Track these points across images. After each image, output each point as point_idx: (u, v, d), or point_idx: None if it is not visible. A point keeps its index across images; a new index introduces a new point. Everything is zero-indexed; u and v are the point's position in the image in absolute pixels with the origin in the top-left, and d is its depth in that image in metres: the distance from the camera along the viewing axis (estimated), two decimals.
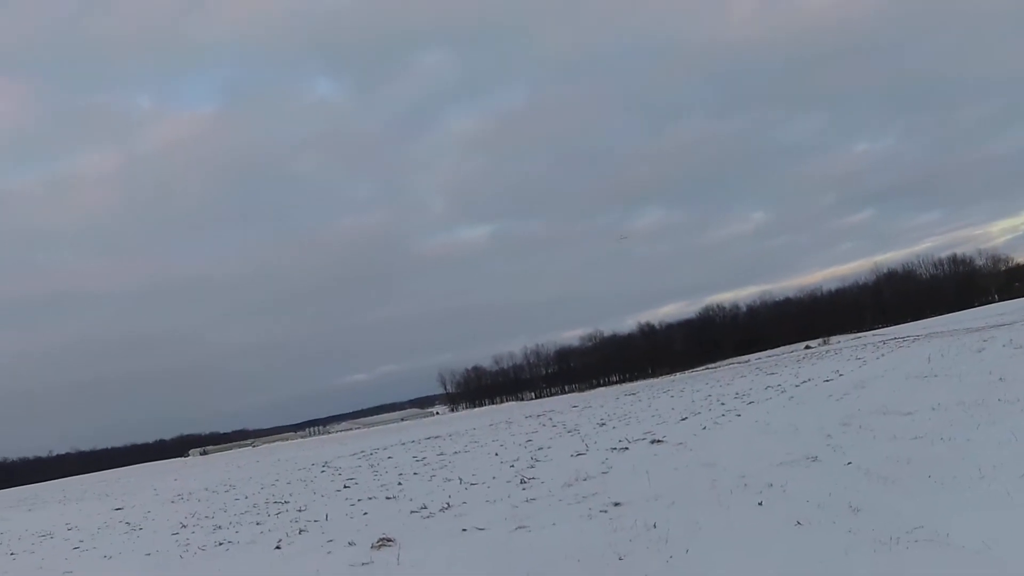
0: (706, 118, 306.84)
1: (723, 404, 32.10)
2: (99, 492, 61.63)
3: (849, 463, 13.31)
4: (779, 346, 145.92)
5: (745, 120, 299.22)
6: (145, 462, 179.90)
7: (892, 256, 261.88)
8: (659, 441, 22.39)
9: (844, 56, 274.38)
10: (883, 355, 48.25)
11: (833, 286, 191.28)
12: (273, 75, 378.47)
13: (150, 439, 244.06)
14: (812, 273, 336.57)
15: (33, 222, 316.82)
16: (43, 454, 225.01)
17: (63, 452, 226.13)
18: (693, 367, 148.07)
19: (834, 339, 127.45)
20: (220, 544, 18.82)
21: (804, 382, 36.06)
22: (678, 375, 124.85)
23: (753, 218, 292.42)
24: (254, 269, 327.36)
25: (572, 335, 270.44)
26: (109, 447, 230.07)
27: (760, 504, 11.45)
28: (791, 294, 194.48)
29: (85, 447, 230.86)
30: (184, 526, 24.27)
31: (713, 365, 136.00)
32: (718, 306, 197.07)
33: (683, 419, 28.63)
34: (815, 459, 14.44)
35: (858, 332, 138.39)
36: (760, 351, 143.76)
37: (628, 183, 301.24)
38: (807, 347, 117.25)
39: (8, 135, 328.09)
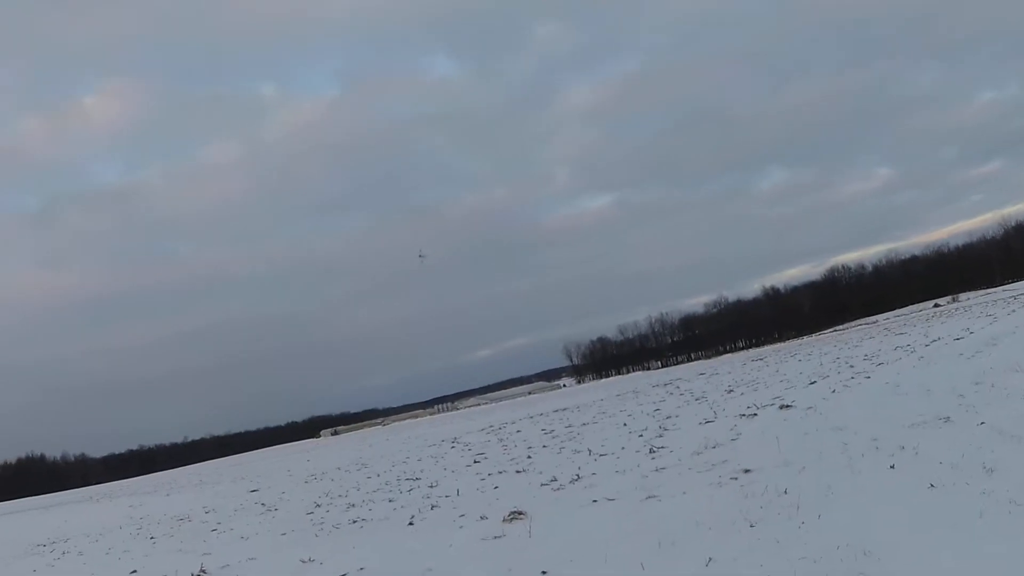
0: (825, 74, 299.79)
1: (852, 367, 31.59)
2: (234, 475, 63.59)
3: (982, 423, 13.07)
4: (907, 305, 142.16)
5: (865, 74, 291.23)
6: (278, 444, 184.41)
7: (1021, 208, 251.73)
8: (788, 406, 22.22)
9: (965, 1, 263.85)
10: (1014, 311, 46.73)
11: (960, 241, 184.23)
12: (391, 56, 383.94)
13: (282, 422, 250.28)
14: (939, 229, 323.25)
15: (161, 213, 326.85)
16: (179, 440, 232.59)
17: (198, 438, 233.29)
18: (820, 330, 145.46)
19: (963, 296, 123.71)
20: (354, 522, 19.33)
21: (934, 341, 35.24)
22: (805, 338, 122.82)
23: (877, 175, 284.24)
24: (379, 249, 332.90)
25: (696, 302, 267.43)
26: (242, 431, 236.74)
27: (892, 467, 11.35)
28: (918, 251, 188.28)
29: (219, 432, 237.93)
30: (318, 505, 24.96)
31: (840, 327, 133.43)
32: (843, 267, 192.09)
33: (812, 383, 28.31)
34: (947, 420, 14.20)
35: (988, 288, 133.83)
36: (888, 311, 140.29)
37: (748, 144, 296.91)
38: (936, 305, 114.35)
39: (135, 131, 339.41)
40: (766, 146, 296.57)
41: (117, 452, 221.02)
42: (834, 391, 23.74)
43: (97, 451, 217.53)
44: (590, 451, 22.36)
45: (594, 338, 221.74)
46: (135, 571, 18.04)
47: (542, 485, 18.01)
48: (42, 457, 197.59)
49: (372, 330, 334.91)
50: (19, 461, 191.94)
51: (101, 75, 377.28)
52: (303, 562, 14.26)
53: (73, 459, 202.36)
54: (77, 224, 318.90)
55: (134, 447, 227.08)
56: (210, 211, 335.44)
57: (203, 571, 15.77)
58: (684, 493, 13.01)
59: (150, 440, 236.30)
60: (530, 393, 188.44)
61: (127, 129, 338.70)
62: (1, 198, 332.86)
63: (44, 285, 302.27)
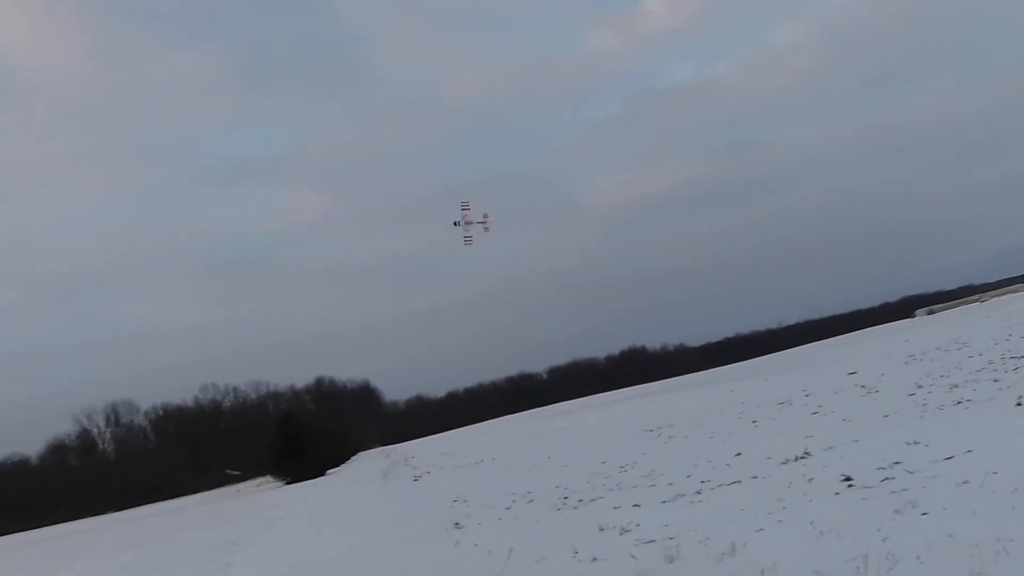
0: None
1: None
2: (830, 358, 64.05)
3: None
4: None
5: None
6: (870, 327, 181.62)
7: None
8: None
9: None
10: None
11: None
12: None
13: (874, 303, 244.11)
14: None
15: (735, 103, 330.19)
16: (773, 326, 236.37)
17: (791, 323, 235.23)
18: None
19: None
20: (958, 403, 19.00)
21: None
22: None
23: None
24: (962, 114, 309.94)
25: None
26: (834, 314, 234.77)
27: None
28: None
29: (812, 316, 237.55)
30: (920, 386, 24.70)
31: None
32: None
33: None
34: None
35: None
36: None
37: None
38: None
39: (700, 26, 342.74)
40: None
41: (713, 340, 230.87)
42: None
43: (694, 341, 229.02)
44: None
45: None
46: (739, 453, 19.36)
47: None
48: (643, 348, 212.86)
49: (963, 197, 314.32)
50: (622, 353, 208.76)
51: None
52: (907, 444, 14.44)
53: (672, 349, 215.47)
54: (658, 123, 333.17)
55: (730, 335, 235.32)
56: (783, 94, 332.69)
57: (806, 453, 16.52)
58: None
59: (745, 328, 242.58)
60: None
61: (692, 26, 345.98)
62: (588, 106, 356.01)
63: (633, 183, 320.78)
